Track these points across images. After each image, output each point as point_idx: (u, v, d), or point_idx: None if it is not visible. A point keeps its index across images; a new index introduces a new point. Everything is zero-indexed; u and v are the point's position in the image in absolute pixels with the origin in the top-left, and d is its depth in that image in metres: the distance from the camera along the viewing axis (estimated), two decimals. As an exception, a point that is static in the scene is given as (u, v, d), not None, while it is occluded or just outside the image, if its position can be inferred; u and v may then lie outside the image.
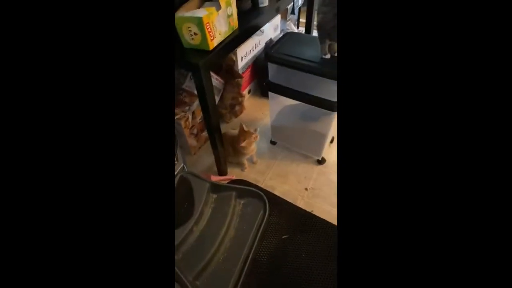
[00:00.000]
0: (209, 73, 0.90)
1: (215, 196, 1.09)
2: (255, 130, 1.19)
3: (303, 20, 1.87)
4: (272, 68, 1.11)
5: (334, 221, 1.09)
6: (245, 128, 1.15)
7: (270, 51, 1.05)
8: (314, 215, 1.12)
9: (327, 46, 0.97)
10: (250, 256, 0.94)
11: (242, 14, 0.99)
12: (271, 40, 1.62)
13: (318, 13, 0.95)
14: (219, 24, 0.85)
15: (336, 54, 1.00)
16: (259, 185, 1.24)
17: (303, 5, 1.91)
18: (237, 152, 1.22)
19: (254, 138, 1.17)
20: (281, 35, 1.17)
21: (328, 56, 0.99)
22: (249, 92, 1.69)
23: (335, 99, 1.03)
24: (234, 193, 1.09)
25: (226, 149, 1.22)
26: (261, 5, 1.06)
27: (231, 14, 0.89)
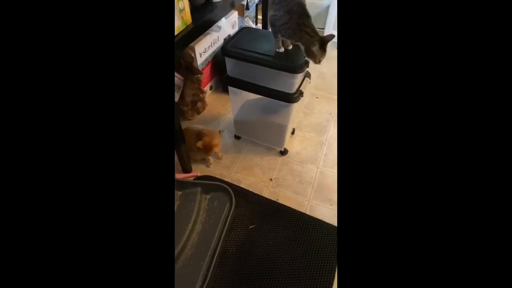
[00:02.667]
0: (165, 69, 0.89)
1: (180, 193, 1.08)
2: (220, 131, 1.23)
3: (261, 17, 1.90)
4: (230, 62, 1.12)
5: (298, 208, 1.15)
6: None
7: (227, 46, 1.06)
8: (279, 204, 1.16)
9: (280, 41, 1.01)
10: (218, 249, 0.95)
11: (196, 9, 0.99)
12: (229, 36, 1.63)
13: (269, 10, 0.99)
14: (171, 18, 0.84)
15: (289, 48, 1.04)
16: (226, 179, 1.26)
17: (259, 2, 1.95)
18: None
19: (217, 140, 1.19)
20: (237, 31, 1.19)
21: (282, 50, 1.03)
22: (210, 88, 1.69)
23: (291, 91, 1.08)
24: (199, 189, 1.09)
25: (188, 144, 1.21)
26: (214, 0, 1.07)
27: (183, 9, 0.88)
